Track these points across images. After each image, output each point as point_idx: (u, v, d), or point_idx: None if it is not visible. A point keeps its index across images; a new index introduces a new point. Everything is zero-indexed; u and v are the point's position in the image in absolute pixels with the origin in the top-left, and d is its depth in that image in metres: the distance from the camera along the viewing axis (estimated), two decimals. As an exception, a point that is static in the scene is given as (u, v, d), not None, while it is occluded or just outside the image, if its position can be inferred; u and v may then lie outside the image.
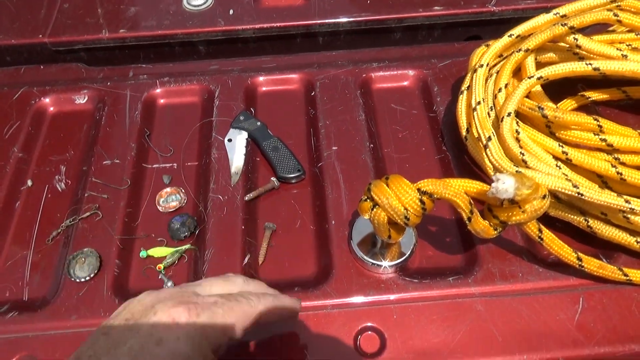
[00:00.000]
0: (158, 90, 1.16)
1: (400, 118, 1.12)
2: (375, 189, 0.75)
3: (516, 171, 0.82)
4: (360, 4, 1.31)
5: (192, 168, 1.05)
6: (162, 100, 1.16)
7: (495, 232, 0.77)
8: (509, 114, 0.88)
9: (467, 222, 0.76)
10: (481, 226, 0.76)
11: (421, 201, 0.74)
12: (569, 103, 1.05)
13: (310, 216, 0.97)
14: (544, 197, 0.72)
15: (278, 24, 1.29)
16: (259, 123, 1.08)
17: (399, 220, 0.75)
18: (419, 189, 0.74)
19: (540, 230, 0.79)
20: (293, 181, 1.01)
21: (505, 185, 0.67)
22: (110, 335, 0.50)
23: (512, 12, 1.30)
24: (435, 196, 0.74)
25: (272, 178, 1.01)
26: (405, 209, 0.74)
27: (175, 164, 1.05)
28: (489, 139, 0.87)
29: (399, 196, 0.74)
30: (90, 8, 1.35)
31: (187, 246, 0.93)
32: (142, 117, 1.12)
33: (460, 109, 0.97)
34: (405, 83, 1.18)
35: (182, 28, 1.28)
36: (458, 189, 0.74)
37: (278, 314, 0.61)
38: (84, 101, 1.16)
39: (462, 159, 1.03)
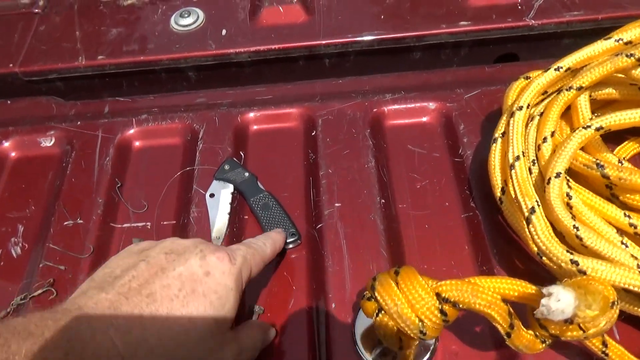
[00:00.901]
0: (133, 131, 0.99)
1: (418, 163, 0.92)
2: (381, 289, 0.57)
3: (575, 266, 0.62)
4: (372, 19, 1.11)
5: (167, 228, 0.88)
6: (137, 143, 1.00)
7: (543, 345, 0.58)
8: (557, 175, 0.68)
9: (505, 337, 0.57)
10: (525, 342, 0.57)
11: (442, 311, 0.55)
12: (631, 147, 0.84)
13: (305, 294, 0.79)
14: (613, 305, 0.52)
15: (277, 46, 1.10)
16: (247, 174, 0.90)
17: (411, 334, 0.56)
18: (438, 294, 0.56)
19: (604, 344, 0.59)
20: (287, 247, 0.83)
21: (561, 305, 0.48)
22: (150, 263, 0.56)
23: (554, 26, 1.08)
24: (461, 306, 0.55)
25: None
26: (420, 320, 0.55)
27: (148, 223, 0.89)
28: (532, 210, 0.67)
29: (413, 303, 0.55)
30: (67, 30, 1.20)
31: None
32: (114, 164, 0.95)
33: (493, 163, 0.77)
34: (425, 119, 0.98)
35: (168, 53, 1.11)
36: (493, 297, 0.55)
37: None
38: (51, 144, 1.00)
39: (496, 220, 0.83)
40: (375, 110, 0.98)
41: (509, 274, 0.77)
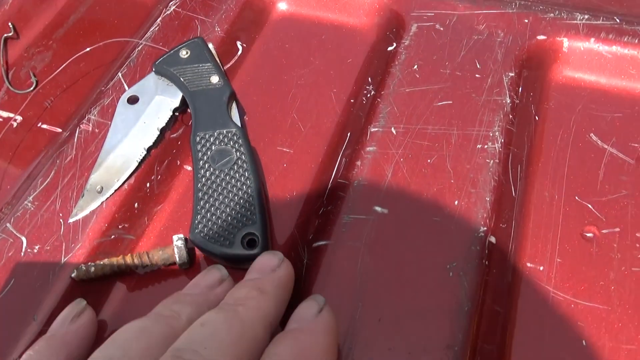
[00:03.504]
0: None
1: (606, 182, 0.38)
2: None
3: None
4: None
5: (39, 138, 0.44)
6: (77, -24, 0.55)
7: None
8: None
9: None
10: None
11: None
12: None
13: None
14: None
15: None
16: (217, 79, 0.42)
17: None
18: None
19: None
20: (234, 262, 0.35)
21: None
22: None
23: None
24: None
25: (176, 237, 0.35)
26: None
27: (19, 118, 0.45)
28: None
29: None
30: None
31: None
32: (21, -1, 0.52)
33: None
34: (656, 88, 0.42)
35: None
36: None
37: None
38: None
39: None
40: (541, 37, 0.44)
41: None
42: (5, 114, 0.46)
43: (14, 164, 0.42)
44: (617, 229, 0.36)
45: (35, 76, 0.48)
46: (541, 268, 0.35)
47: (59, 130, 0.44)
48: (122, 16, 0.52)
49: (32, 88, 0.47)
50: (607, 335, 0.32)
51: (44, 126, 0.45)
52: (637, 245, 0.35)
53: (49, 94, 0.47)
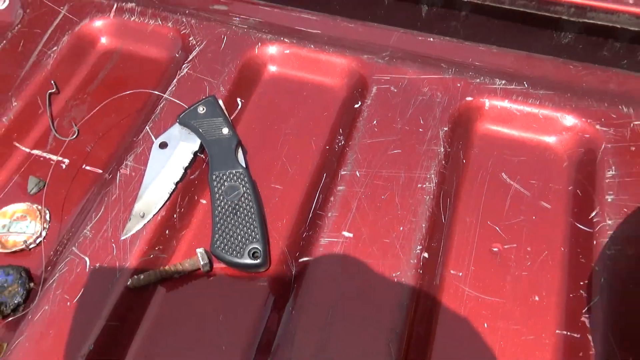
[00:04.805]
0: (107, 21, 0.67)
1: (510, 210, 0.53)
2: None
3: None
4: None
5: (85, 177, 0.57)
6: (104, 40, 0.68)
7: None
8: None
9: None
10: None
11: None
12: None
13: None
14: None
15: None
16: (226, 130, 0.55)
17: None
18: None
19: None
20: (242, 267, 0.49)
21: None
22: None
23: None
24: None
25: (199, 250, 0.49)
26: None
27: (66, 161, 0.58)
28: None
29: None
30: None
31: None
32: (60, 60, 0.65)
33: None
34: (550, 139, 0.58)
35: None
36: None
37: None
38: (4, 6, 0.71)
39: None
40: (469, 99, 0.58)
41: None
42: (55, 157, 0.58)
43: (68, 199, 0.55)
44: (515, 245, 0.51)
45: (76, 125, 0.61)
46: (460, 274, 0.49)
47: (100, 171, 0.57)
48: (142, 73, 0.65)
49: (74, 136, 0.60)
50: (502, 319, 0.47)
51: (88, 167, 0.58)
52: (527, 256, 0.50)
53: (89, 141, 0.59)
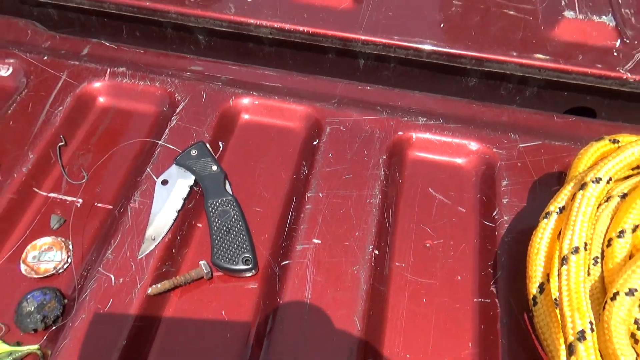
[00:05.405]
0: (103, 83, 0.81)
1: (436, 215, 0.70)
2: None
3: None
4: (430, 25, 0.89)
5: (99, 212, 0.69)
6: (102, 99, 0.81)
7: None
8: (631, 292, 0.45)
9: None
10: None
11: None
12: None
13: (245, 345, 0.58)
14: None
15: (307, 29, 0.90)
16: (215, 167, 0.70)
17: None
18: None
19: None
20: (234, 274, 0.63)
21: None
22: None
23: (656, 87, 0.84)
24: None
25: (201, 262, 0.63)
26: None
27: (80, 200, 0.70)
28: (582, 335, 0.44)
29: None
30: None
31: (30, 348, 0.57)
32: (65, 117, 0.77)
33: (537, 246, 0.55)
34: (461, 160, 0.76)
35: (178, 5, 0.92)
36: None
37: None
38: (7, 73, 0.82)
39: (520, 319, 0.60)
40: (400, 133, 0.76)
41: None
42: (70, 198, 0.70)
43: (87, 230, 0.67)
44: (441, 240, 0.68)
45: (84, 171, 0.73)
46: (403, 265, 0.66)
47: (111, 207, 0.70)
48: (136, 125, 0.78)
49: (84, 180, 0.72)
50: (436, 295, 0.64)
51: (99, 205, 0.70)
52: (451, 248, 0.67)
53: (97, 183, 0.72)
